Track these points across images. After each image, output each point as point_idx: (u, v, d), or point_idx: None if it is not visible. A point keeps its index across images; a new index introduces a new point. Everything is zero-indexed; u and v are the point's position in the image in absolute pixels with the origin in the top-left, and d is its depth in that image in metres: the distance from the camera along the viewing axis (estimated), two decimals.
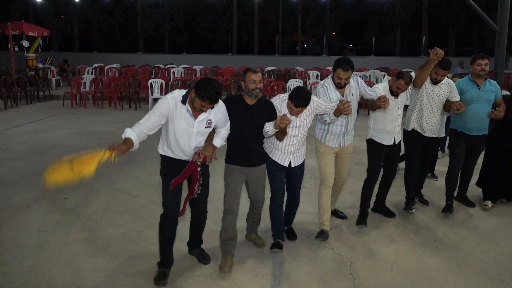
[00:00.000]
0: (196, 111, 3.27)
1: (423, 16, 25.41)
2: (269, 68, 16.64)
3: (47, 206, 5.03)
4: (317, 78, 15.08)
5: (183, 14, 27.37)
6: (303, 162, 4.03)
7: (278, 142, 3.83)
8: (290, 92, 3.69)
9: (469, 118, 4.70)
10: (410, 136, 4.78)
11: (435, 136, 4.78)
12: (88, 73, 15.52)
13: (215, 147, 3.51)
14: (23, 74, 14.40)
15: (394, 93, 4.35)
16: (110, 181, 5.92)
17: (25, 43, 15.65)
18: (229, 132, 3.58)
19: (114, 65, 17.42)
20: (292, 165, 3.91)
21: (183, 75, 15.77)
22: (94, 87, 13.15)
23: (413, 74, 4.47)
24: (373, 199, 4.85)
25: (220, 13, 27.19)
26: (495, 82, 4.88)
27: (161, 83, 12.46)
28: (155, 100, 12.40)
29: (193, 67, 16.97)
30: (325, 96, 4.03)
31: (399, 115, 4.46)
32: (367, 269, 3.74)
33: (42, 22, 24.95)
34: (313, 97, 3.80)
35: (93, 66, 17.11)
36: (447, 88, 4.62)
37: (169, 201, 3.44)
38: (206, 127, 3.39)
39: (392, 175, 4.78)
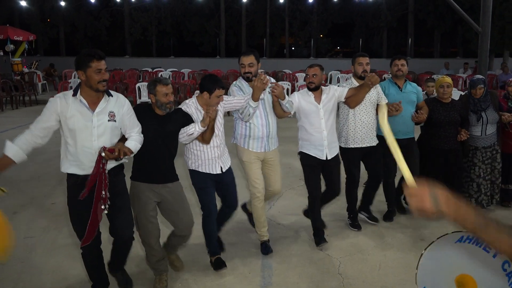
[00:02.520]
0: (92, 103, 2.89)
1: (409, 18, 25.71)
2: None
3: (34, 212, 4.99)
4: (304, 80, 15.17)
5: (171, 17, 27.30)
6: (230, 167, 3.80)
7: (202, 151, 3.57)
8: (197, 91, 3.65)
9: (394, 121, 4.37)
10: (348, 152, 4.46)
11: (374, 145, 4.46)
12: (74, 78, 15.39)
13: (128, 148, 2.99)
14: (8, 79, 14.23)
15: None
16: None
17: (10, 47, 15.47)
18: (142, 138, 3.15)
19: None
20: (223, 169, 3.67)
21: (171, 79, 15.74)
22: None
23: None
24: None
25: (208, 16, 27.18)
26: (415, 84, 4.79)
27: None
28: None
29: (181, 71, 16.95)
30: (239, 92, 3.84)
31: (324, 128, 4.09)
32: (356, 269, 3.78)
33: (28, 26, 24.67)
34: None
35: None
36: (375, 90, 4.41)
37: (80, 231, 3.01)
38: (109, 120, 2.94)
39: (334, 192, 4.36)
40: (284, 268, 3.79)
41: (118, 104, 3.01)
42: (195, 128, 3.34)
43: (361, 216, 4.70)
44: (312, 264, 3.85)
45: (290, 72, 16.72)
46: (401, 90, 4.62)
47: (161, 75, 15.83)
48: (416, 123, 4.71)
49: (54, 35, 27.68)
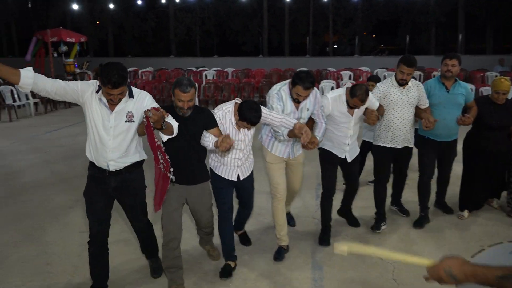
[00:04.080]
0: (111, 103, 2.86)
1: (459, 13, 24.66)
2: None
3: None
4: (349, 78, 14.88)
5: (214, 17, 27.63)
6: (252, 172, 3.70)
7: (223, 155, 3.49)
8: (238, 105, 3.34)
9: (436, 124, 4.13)
10: (379, 150, 4.36)
11: (410, 146, 4.34)
12: None
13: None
14: (61, 79, 14.86)
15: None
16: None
17: (63, 49, 16.15)
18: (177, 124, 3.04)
19: (148, 69, 17.73)
20: (241, 178, 3.56)
21: (215, 78, 15.88)
22: None
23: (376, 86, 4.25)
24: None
25: (251, 15, 27.27)
26: (466, 84, 4.43)
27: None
28: None
29: (225, 69, 17.06)
30: (279, 103, 3.64)
31: (349, 135, 3.99)
32: (411, 274, 3.62)
33: (79, 28, 25.71)
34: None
35: (128, 70, 17.45)
36: (417, 91, 4.18)
37: (93, 223, 3.11)
38: (126, 121, 2.92)
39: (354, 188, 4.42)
40: (335, 271, 3.69)
41: (138, 102, 2.95)
42: (210, 144, 3.18)
43: (393, 209, 4.84)
44: (364, 269, 3.72)
45: (335, 70, 16.44)
46: (448, 92, 4.31)
47: (206, 75, 16.01)
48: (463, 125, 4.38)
49: (103, 37, 28.71)
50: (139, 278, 3.60)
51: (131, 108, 2.93)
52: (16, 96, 11.97)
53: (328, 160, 4.10)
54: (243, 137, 3.44)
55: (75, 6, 25.62)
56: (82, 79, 16.05)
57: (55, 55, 16.17)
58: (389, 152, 4.30)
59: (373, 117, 3.83)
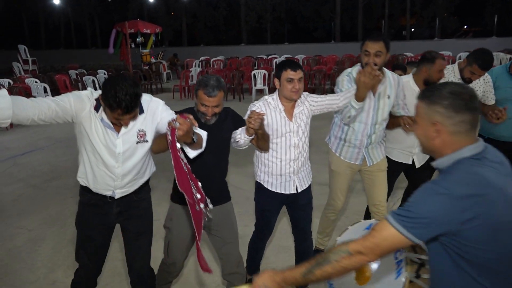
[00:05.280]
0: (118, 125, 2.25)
1: None
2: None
3: (158, 197, 5.19)
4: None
5: (285, 3, 27.31)
6: (310, 186, 2.97)
7: (274, 163, 2.81)
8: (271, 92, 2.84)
9: (501, 124, 3.39)
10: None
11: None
12: (195, 66, 16.19)
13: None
14: (138, 69, 15.51)
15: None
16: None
17: (140, 40, 16.86)
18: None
19: (219, 58, 17.96)
20: (299, 190, 2.87)
21: None
22: None
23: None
24: None
25: (323, 0, 26.57)
26: None
27: (264, 74, 12.47)
28: (258, 90, 12.47)
29: (296, 57, 16.78)
30: (349, 85, 2.95)
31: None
32: None
33: (155, 19, 26.73)
34: (305, 93, 2.85)
35: (200, 59, 17.83)
36: (483, 84, 3.50)
37: (83, 259, 2.55)
38: (138, 142, 2.33)
39: None
40: None
41: (149, 115, 2.33)
42: (240, 135, 2.62)
43: None
44: None
45: (412, 55, 15.47)
46: None
47: (276, 62, 15.84)
48: None
49: (177, 27, 29.65)
50: None
51: (141, 125, 2.31)
52: None
53: (393, 170, 3.37)
54: (296, 126, 2.77)
55: None
56: (157, 68, 16.64)
57: (133, 46, 16.90)
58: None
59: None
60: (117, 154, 2.29)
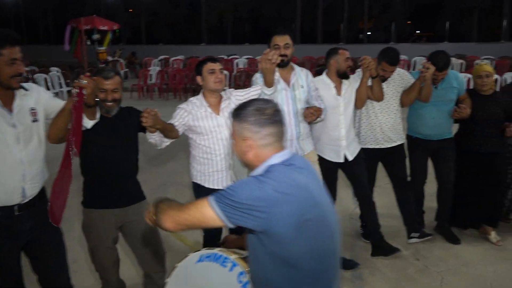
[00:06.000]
0: (5, 102, 2.16)
1: None
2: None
3: (175, 190, 5.00)
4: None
5: (247, 4, 27.28)
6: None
7: (210, 159, 2.85)
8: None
9: (425, 124, 3.74)
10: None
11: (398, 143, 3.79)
12: (154, 65, 15.82)
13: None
14: (94, 67, 14.97)
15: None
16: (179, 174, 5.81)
17: (94, 37, 16.25)
18: None
19: (179, 57, 17.63)
20: (220, 186, 2.85)
21: (246, 66, 15.60)
22: (160, 79, 13.35)
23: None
24: None
25: (284, 2, 26.76)
26: (456, 73, 3.85)
27: (225, 74, 12.34)
28: None
29: (256, 58, 16.75)
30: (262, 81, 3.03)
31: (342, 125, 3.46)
32: (461, 286, 3.27)
33: (113, 16, 25.96)
34: (230, 90, 3.04)
35: (159, 58, 17.44)
36: (399, 80, 3.69)
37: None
38: (33, 121, 2.27)
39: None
40: (377, 280, 3.39)
41: (33, 95, 2.30)
42: (150, 137, 2.65)
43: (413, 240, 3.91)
44: (408, 278, 3.40)
45: (371, 58, 15.80)
46: (436, 88, 3.71)
47: (237, 63, 15.75)
48: (456, 121, 3.83)
49: (136, 24, 28.93)
50: None
51: (33, 104, 2.27)
52: None
53: (324, 168, 3.42)
54: (224, 120, 2.85)
55: None
56: (114, 67, 16.12)
57: (89, 43, 16.28)
58: (372, 155, 3.75)
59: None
60: (16, 135, 2.17)
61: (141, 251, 2.74)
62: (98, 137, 2.48)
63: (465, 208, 3.98)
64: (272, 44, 3.11)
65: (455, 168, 3.89)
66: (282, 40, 3.09)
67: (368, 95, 3.54)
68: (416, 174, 3.96)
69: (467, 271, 3.47)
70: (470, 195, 3.93)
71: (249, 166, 1.67)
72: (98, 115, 2.41)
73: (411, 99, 3.69)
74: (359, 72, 3.65)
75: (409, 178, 3.98)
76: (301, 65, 14.50)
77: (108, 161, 2.52)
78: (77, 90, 2.15)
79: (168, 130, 2.64)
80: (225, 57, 17.47)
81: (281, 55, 2.96)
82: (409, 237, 3.89)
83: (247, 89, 3.08)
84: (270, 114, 1.61)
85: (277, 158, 1.60)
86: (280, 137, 1.64)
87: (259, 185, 1.49)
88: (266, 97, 2.84)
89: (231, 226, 1.52)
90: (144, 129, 2.56)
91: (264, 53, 2.76)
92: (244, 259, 1.85)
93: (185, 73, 13.38)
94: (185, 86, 13.05)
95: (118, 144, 2.54)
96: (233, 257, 1.90)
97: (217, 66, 2.83)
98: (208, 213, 1.51)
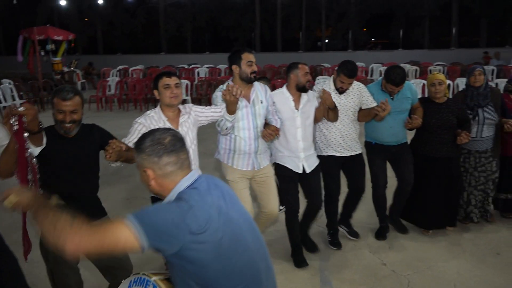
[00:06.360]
0: None
1: (453, 6, 24.47)
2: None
3: None
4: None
5: (206, 13, 27.19)
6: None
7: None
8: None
9: (383, 132, 3.95)
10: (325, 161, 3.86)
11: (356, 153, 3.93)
12: (112, 76, 15.46)
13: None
14: (49, 78, 14.43)
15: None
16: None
17: (48, 48, 15.69)
18: None
19: (138, 67, 17.32)
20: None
21: (207, 75, 15.53)
22: (119, 89, 13.05)
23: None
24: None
25: (243, 11, 26.90)
26: (410, 84, 4.04)
27: (186, 84, 12.23)
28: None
29: (217, 67, 16.71)
30: (222, 101, 3.15)
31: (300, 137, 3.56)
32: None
33: (67, 25, 25.16)
34: (190, 105, 3.12)
35: (118, 68, 17.05)
36: (357, 93, 3.82)
37: None
38: None
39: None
40: (346, 286, 3.41)
41: None
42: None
43: (341, 229, 4.17)
44: (377, 283, 3.45)
45: (329, 66, 16.16)
46: (392, 99, 3.91)
47: (198, 72, 15.65)
48: (410, 129, 4.03)
49: (92, 34, 28.16)
50: None
51: None
52: None
53: (285, 176, 3.62)
54: (183, 133, 2.88)
55: (62, 2, 25.04)
56: (70, 78, 15.62)
57: (42, 53, 15.70)
58: (335, 161, 3.87)
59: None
60: None
61: (105, 264, 2.68)
62: (55, 159, 2.45)
63: (426, 210, 4.14)
64: (245, 61, 3.22)
65: (416, 172, 4.05)
66: (254, 57, 3.25)
67: (324, 116, 3.70)
68: (378, 179, 4.07)
69: (432, 273, 3.56)
70: (429, 198, 4.09)
71: (159, 196, 1.67)
72: (44, 141, 2.36)
73: (367, 120, 3.94)
74: (318, 86, 3.82)
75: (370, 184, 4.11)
76: (263, 73, 14.50)
77: (66, 182, 2.48)
78: (16, 118, 2.11)
79: (131, 159, 2.56)
80: (186, 67, 17.35)
81: (253, 72, 3.22)
82: (335, 244, 4.01)
83: (208, 108, 3.17)
84: (167, 144, 1.60)
85: (185, 182, 1.61)
86: (182, 164, 1.63)
87: (176, 209, 1.49)
88: (228, 123, 3.07)
89: (146, 248, 1.44)
90: (105, 145, 2.48)
91: (228, 88, 2.87)
92: (168, 279, 1.80)
93: (145, 83, 13.15)
94: (145, 97, 12.81)
95: (76, 165, 2.51)
96: (153, 278, 1.82)
97: (172, 81, 2.85)
98: (124, 233, 1.42)
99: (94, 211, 2.61)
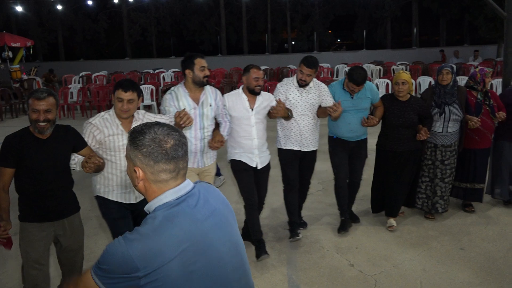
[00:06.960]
0: None
1: (413, 7, 25.15)
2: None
3: None
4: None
5: (170, 17, 26.86)
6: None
7: (114, 174, 2.98)
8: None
9: (342, 128, 4.15)
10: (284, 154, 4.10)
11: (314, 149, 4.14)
12: (75, 82, 15.03)
13: None
14: (7, 87, 13.88)
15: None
16: None
17: (4, 55, 15.12)
18: None
19: (101, 73, 16.93)
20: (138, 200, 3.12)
21: (173, 80, 15.33)
22: (82, 96, 12.69)
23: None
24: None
25: (208, 14, 26.73)
26: (371, 84, 4.24)
27: (152, 89, 12.02)
28: (146, 106, 11.97)
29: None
30: (172, 103, 3.37)
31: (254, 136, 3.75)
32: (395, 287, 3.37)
33: (26, 32, 24.34)
34: (142, 111, 3.13)
35: (80, 75, 16.60)
36: (317, 91, 4.02)
37: None
38: None
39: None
40: None
41: None
42: (76, 166, 2.79)
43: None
44: (345, 284, 3.44)
45: (295, 67, 16.26)
46: (352, 98, 4.11)
47: (163, 77, 15.43)
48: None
49: (52, 40, 27.33)
50: None
51: None
52: None
53: (240, 169, 3.80)
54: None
55: (19, 8, 24.12)
56: (30, 85, 15.07)
57: None
58: (294, 155, 4.06)
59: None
60: None
61: (67, 260, 2.92)
62: (32, 161, 2.59)
63: (382, 198, 4.46)
64: (198, 66, 3.37)
65: (380, 164, 4.38)
66: (206, 62, 3.41)
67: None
68: (339, 171, 4.27)
69: (398, 271, 3.59)
70: (387, 187, 4.35)
71: (143, 195, 1.46)
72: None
73: (324, 117, 4.12)
74: (282, 85, 4.05)
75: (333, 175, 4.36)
76: (229, 76, 14.48)
77: (43, 181, 2.64)
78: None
79: (101, 168, 2.80)
80: (151, 71, 17.08)
81: (205, 76, 3.39)
82: (296, 234, 4.12)
83: (160, 115, 3.25)
84: (169, 149, 1.37)
85: (171, 194, 1.39)
86: (178, 173, 1.41)
87: (126, 247, 1.28)
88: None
89: None
90: (77, 149, 2.78)
91: (180, 116, 2.98)
92: None
93: (109, 89, 12.83)
94: (109, 103, 12.50)
95: (50, 165, 2.65)
96: None
97: (126, 96, 2.82)
98: (91, 284, 1.36)
99: (69, 206, 2.85)
